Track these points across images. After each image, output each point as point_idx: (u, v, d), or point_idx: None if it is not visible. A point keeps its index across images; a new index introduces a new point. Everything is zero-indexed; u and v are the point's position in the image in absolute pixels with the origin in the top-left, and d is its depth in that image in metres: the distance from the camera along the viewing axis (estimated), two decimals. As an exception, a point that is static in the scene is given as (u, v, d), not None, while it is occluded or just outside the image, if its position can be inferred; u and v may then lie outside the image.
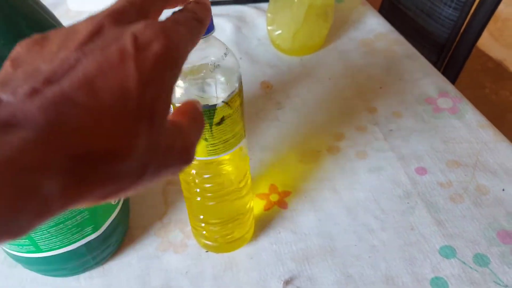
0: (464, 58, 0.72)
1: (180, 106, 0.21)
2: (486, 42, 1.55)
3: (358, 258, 0.39)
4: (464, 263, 0.38)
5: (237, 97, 0.30)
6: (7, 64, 0.17)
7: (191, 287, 0.37)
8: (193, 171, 0.33)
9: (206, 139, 0.30)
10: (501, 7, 0.66)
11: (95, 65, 0.15)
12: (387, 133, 0.49)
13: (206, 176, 0.33)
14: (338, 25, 0.65)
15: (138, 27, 0.17)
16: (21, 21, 0.27)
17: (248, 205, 0.38)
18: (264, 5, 0.69)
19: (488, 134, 0.48)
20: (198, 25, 0.20)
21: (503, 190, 0.43)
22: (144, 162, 0.16)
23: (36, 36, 0.18)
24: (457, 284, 0.36)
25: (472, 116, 0.51)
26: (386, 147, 0.48)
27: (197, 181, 0.34)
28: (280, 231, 0.41)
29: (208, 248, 0.39)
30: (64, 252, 0.35)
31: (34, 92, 0.14)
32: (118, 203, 0.38)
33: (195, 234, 0.40)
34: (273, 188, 0.44)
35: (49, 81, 0.15)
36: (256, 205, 0.43)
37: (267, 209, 0.43)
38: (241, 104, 0.31)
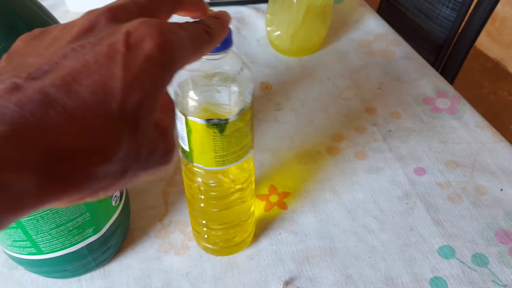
0: (462, 58, 0.72)
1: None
2: (484, 42, 1.55)
3: (358, 259, 0.39)
4: (463, 263, 0.38)
5: (248, 110, 0.29)
6: (4, 57, 0.17)
7: (191, 288, 0.37)
8: (199, 179, 0.33)
9: (215, 151, 0.30)
10: (498, 7, 0.67)
11: (81, 62, 0.15)
12: (386, 134, 0.50)
13: (211, 184, 0.33)
14: (336, 26, 0.65)
15: (133, 23, 0.16)
16: (22, 26, 0.27)
17: (251, 210, 0.38)
18: (263, 6, 0.69)
19: (486, 134, 0.49)
20: (206, 37, 0.19)
21: (501, 190, 0.43)
22: (123, 167, 0.16)
23: (36, 30, 0.17)
24: (456, 284, 0.37)
25: (470, 116, 0.51)
26: (385, 147, 0.48)
27: (202, 188, 0.33)
28: (280, 232, 0.41)
29: (209, 251, 0.39)
30: (65, 254, 0.35)
31: (15, 87, 0.14)
32: (118, 205, 0.38)
33: (196, 237, 0.40)
34: (272, 189, 0.45)
35: (32, 76, 0.14)
36: (256, 206, 0.43)
37: (267, 210, 0.43)
38: (252, 117, 0.31)
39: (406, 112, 0.52)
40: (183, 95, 0.28)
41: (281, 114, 0.53)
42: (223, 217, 0.36)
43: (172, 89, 0.29)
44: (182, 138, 0.31)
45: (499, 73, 1.50)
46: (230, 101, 0.28)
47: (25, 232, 0.32)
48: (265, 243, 0.40)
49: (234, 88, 0.28)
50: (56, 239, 0.33)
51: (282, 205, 0.43)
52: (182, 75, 0.28)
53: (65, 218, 0.33)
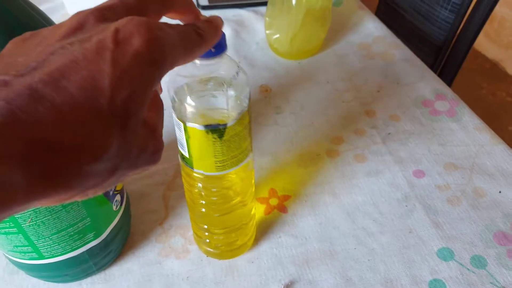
0: (461, 60, 0.72)
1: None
2: (483, 43, 1.56)
3: (358, 262, 0.39)
4: (461, 265, 0.38)
5: (246, 114, 0.30)
6: None
7: (192, 292, 0.38)
8: (200, 185, 0.33)
9: (215, 156, 0.30)
10: (497, 7, 0.67)
11: (69, 58, 0.15)
12: (385, 137, 0.50)
13: (212, 189, 0.33)
14: (336, 29, 0.65)
15: (122, 21, 0.16)
16: (22, 32, 0.27)
17: (251, 212, 0.38)
18: (262, 9, 0.70)
19: (485, 137, 0.49)
20: (197, 39, 0.19)
21: (500, 192, 0.44)
22: (113, 165, 0.16)
23: (26, 33, 0.18)
24: (455, 286, 0.37)
25: (469, 119, 0.51)
26: (384, 150, 0.48)
27: (203, 193, 0.34)
28: (280, 235, 0.41)
29: (210, 255, 0.39)
30: (66, 259, 0.35)
31: (3, 84, 0.14)
32: (119, 209, 0.38)
33: (198, 241, 0.40)
34: (272, 192, 0.45)
35: (21, 73, 0.14)
36: (256, 210, 0.43)
37: (267, 213, 0.43)
38: (250, 120, 0.31)
39: (405, 115, 0.52)
40: (180, 101, 0.28)
41: (281, 117, 0.53)
42: (225, 221, 0.36)
43: (169, 96, 0.29)
44: (182, 145, 0.31)
45: (498, 74, 1.50)
46: (227, 106, 0.28)
47: (26, 237, 0.32)
48: (265, 247, 0.40)
49: (231, 92, 0.28)
50: (57, 244, 0.33)
51: (282, 208, 0.43)
52: (178, 81, 0.28)
53: (66, 223, 0.33)
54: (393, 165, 0.47)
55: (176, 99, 0.28)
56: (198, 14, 0.22)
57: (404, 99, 0.54)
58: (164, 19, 0.20)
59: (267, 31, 0.61)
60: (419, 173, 0.46)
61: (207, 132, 0.28)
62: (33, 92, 0.14)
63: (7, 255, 0.36)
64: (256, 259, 0.39)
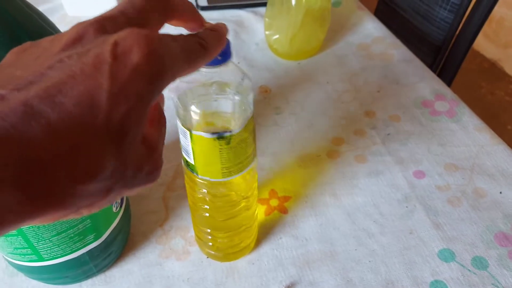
0: (460, 60, 0.72)
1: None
2: (481, 42, 1.56)
3: (358, 263, 0.39)
4: (463, 266, 0.38)
5: (251, 120, 0.29)
6: None
7: (193, 294, 0.37)
8: (204, 190, 0.33)
9: (221, 163, 0.30)
10: (495, 7, 0.67)
11: (67, 73, 0.14)
12: (385, 137, 0.50)
13: (217, 195, 0.33)
14: (335, 30, 0.65)
15: (121, 34, 0.16)
16: (22, 33, 0.27)
17: (254, 215, 0.38)
18: (261, 9, 0.70)
19: (485, 137, 0.49)
20: (200, 50, 0.19)
21: (500, 193, 0.44)
22: (108, 185, 0.15)
23: (26, 44, 0.17)
24: (456, 287, 0.37)
25: (469, 119, 0.51)
26: (384, 151, 0.48)
27: (207, 199, 0.33)
28: (281, 237, 0.41)
29: (212, 257, 0.39)
30: (67, 261, 0.35)
31: (0, 98, 0.14)
32: (119, 211, 0.38)
33: (199, 243, 0.40)
34: (273, 193, 0.45)
35: (18, 88, 0.14)
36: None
37: (267, 214, 0.43)
38: (254, 126, 0.30)
39: (405, 115, 0.52)
40: (184, 108, 0.28)
41: (281, 117, 0.53)
42: (229, 226, 0.36)
43: (173, 103, 0.28)
44: (187, 152, 0.30)
45: (496, 73, 1.51)
46: (234, 113, 0.28)
47: (26, 240, 0.32)
48: (266, 248, 0.40)
49: (237, 99, 0.28)
50: (57, 246, 0.33)
51: (283, 209, 0.43)
52: (181, 88, 0.28)
53: (66, 225, 0.33)
54: (393, 166, 0.47)
55: (180, 105, 0.28)
56: (202, 21, 0.21)
57: (404, 100, 0.54)
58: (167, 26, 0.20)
59: (267, 32, 0.61)
60: (419, 174, 0.46)
61: (213, 140, 0.28)
62: (27, 109, 0.13)
63: (6, 257, 0.35)
64: (256, 261, 0.39)
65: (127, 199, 0.40)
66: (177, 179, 0.46)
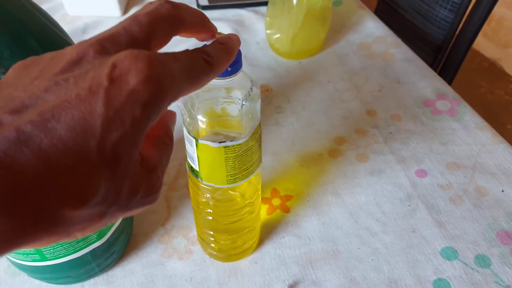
0: (461, 59, 0.72)
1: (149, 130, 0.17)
2: (481, 42, 1.56)
3: (361, 261, 0.39)
4: (465, 264, 0.38)
5: (258, 128, 0.29)
6: None
7: (196, 293, 0.37)
8: (208, 195, 0.33)
9: (227, 170, 0.29)
10: (495, 7, 0.67)
11: (62, 97, 0.14)
12: (387, 136, 0.50)
13: (221, 199, 0.33)
14: (336, 29, 0.65)
15: (120, 55, 0.15)
16: (26, 33, 0.27)
17: (258, 216, 0.38)
18: (262, 8, 0.70)
19: (486, 136, 0.49)
20: (204, 67, 0.18)
21: (502, 191, 0.44)
22: (101, 210, 0.15)
23: (28, 59, 0.17)
24: (459, 285, 0.37)
25: (470, 118, 0.51)
26: (386, 150, 0.48)
27: (211, 203, 0.33)
28: (283, 236, 0.41)
29: (215, 257, 0.39)
30: (69, 260, 0.35)
31: None
32: (122, 210, 0.38)
33: (202, 244, 0.40)
34: (275, 193, 0.45)
35: (13, 111, 0.14)
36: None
37: (269, 213, 0.43)
38: (261, 133, 0.30)
39: (407, 114, 0.52)
40: (190, 116, 0.27)
41: (282, 117, 0.53)
42: (232, 229, 0.36)
43: (179, 110, 0.28)
44: (192, 158, 0.30)
45: (496, 72, 1.51)
46: (241, 120, 0.28)
47: (29, 239, 0.32)
48: (269, 247, 0.40)
49: (245, 106, 0.27)
50: (60, 245, 0.33)
51: (285, 209, 0.43)
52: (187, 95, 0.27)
53: (69, 225, 0.33)
54: (395, 165, 0.47)
55: (186, 112, 0.27)
56: (213, 32, 0.21)
57: (405, 99, 0.54)
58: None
59: (268, 31, 0.61)
60: (421, 173, 0.46)
61: (220, 149, 0.28)
62: (20, 134, 0.13)
63: (9, 257, 0.35)
64: (259, 260, 0.39)
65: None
66: (179, 178, 0.46)
